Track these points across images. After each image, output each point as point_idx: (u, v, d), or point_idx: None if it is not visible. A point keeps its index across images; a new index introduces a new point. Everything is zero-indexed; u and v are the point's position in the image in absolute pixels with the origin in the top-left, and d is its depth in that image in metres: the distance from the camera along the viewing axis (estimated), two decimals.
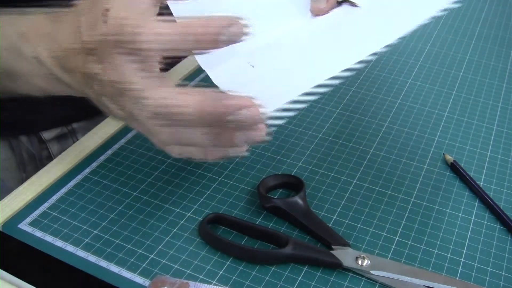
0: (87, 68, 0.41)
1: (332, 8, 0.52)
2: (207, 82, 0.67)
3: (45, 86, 0.47)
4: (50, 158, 0.70)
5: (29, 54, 0.45)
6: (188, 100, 0.39)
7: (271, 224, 0.51)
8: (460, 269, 0.48)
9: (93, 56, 0.41)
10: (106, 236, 0.49)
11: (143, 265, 0.47)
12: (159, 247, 0.48)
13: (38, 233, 0.49)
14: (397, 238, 0.50)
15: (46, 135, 0.70)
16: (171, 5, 0.47)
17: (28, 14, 0.47)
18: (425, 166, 0.58)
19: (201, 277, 0.46)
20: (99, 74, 0.41)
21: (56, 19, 0.44)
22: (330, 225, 0.51)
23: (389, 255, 0.49)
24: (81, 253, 0.47)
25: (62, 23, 0.44)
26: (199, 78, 0.69)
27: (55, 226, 0.50)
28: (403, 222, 0.52)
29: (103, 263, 0.47)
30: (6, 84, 0.49)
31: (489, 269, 0.48)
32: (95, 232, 0.49)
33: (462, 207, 0.54)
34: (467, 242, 0.50)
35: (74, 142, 0.71)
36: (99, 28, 0.39)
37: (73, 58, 0.42)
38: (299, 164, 0.57)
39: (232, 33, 0.39)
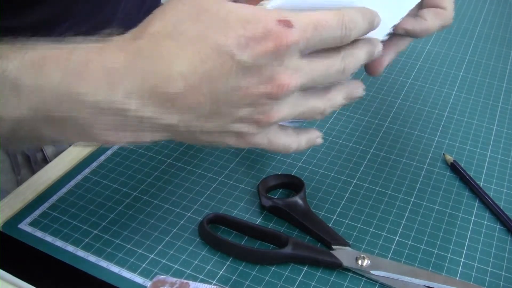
0: (241, 86, 0.37)
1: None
2: None
3: (111, 136, 0.38)
4: (45, 160, 0.70)
5: (92, 100, 0.36)
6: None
7: (271, 224, 0.51)
8: (460, 269, 0.48)
9: (251, 76, 0.37)
10: (106, 236, 0.49)
11: (143, 265, 0.47)
12: (159, 247, 0.48)
13: (38, 233, 0.49)
14: (397, 238, 0.50)
15: None
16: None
17: (65, 45, 0.38)
18: (425, 166, 0.58)
19: (201, 277, 0.46)
20: (255, 90, 0.37)
21: (135, 52, 0.37)
22: (330, 225, 0.51)
23: (389, 255, 0.48)
24: (81, 253, 0.47)
25: (160, 53, 0.36)
26: None
27: (55, 226, 0.50)
28: (403, 222, 0.52)
29: (103, 263, 0.47)
30: (46, 133, 0.39)
31: (489, 269, 0.48)
32: (95, 232, 0.49)
33: (462, 207, 0.54)
34: (467, 242, 0.50)
35: (69, 145, 0.71)
36: (258, 45, 0.36)
37: (202, 88, 0.37)
38: (299, 164, 0.57)
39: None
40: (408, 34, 0.49)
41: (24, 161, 0.70)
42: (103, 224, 0.50)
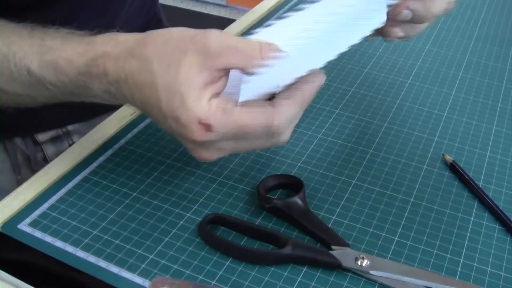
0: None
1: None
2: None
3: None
4: (45, 160, 0.70)
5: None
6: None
7: (270, 224, 0.51)
8: (459, 269, 0.48)
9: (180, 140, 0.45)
10: (105, 237, 0.49)
11: (143, 266, 0.47)
12: (159, 247, 0.48)
13: (38, 234, 0.49)
14: (396, 238, 0.50)
15: (41, 137, 0.70)
16: None
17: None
18: (425, 166, 0.58)
19: (201, 277, 0.46)
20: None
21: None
22: (329, 225, 0.51)
23: (389, 255, 0.49)
24: (81, 253, 0.48)
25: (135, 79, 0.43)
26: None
27: (55, 226, 0.50)
28: (403, 222, 0.52)
29: (103, 264, 0.47)
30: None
31: (488, 269, 0.48)
32: (95, 232, 0.49)
33: (462, 207, 0.54)
34: (466, 242, 0.50)
35: (69, 144, 0.71)
36: (182, 140, 0.44)
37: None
38: (299, 164, 0.57)
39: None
40: (413, 17, 0.52)
41: (24, 161, 0.70)
42: (103, 224, 0.50)
